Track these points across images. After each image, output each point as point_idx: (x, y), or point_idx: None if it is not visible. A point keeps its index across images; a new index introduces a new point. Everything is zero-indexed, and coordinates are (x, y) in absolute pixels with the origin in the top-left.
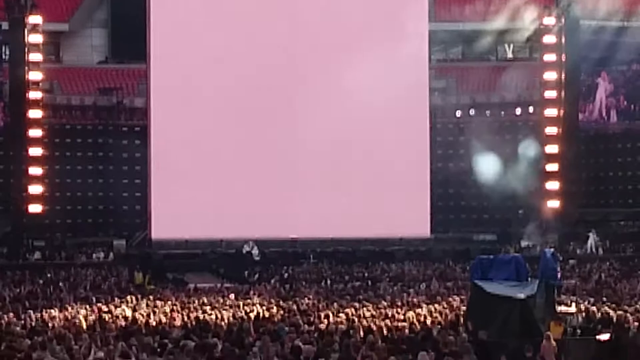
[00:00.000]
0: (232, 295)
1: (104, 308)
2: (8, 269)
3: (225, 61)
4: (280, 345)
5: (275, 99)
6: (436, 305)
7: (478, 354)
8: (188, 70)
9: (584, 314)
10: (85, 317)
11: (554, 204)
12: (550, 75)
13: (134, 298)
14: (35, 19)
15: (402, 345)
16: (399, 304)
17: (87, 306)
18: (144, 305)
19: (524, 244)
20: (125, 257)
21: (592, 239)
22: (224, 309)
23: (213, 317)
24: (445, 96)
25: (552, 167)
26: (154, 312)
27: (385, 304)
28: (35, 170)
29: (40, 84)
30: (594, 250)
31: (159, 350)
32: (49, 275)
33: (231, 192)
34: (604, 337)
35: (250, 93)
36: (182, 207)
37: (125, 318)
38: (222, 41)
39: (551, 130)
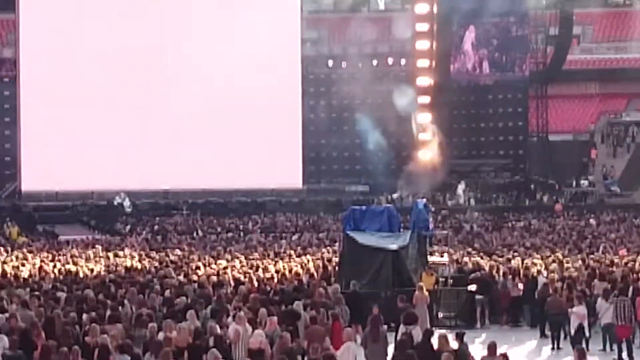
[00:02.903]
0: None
1: None
2: None
3: (97, 11)
4: (151, 296)
5: (147, 50)
6: (308, 257)
7: (350, 304)
8: (58, 22)
9: (455, 264)
10: None
11: (426, 154)
12: (422, 27)
13: (3, 250)
14: None
15: (274, 296)
16: (271, 255)
17: None
18: (14, 257)
19: (396, 194)
20: None
21: (460, 189)
22: (95, 261)
23: (84, 269)
24: (318, 47)
25: (424, 118)
26: (24, 265)
27: (256, 255)
28: None
29: None
30: (465, 201)
31: (29, 302)
32: None
33: (102, 143)
34: (475, 287)
35: (123, 44)
36: (52, 158)
37: None
38: None
39: (423, 81)
